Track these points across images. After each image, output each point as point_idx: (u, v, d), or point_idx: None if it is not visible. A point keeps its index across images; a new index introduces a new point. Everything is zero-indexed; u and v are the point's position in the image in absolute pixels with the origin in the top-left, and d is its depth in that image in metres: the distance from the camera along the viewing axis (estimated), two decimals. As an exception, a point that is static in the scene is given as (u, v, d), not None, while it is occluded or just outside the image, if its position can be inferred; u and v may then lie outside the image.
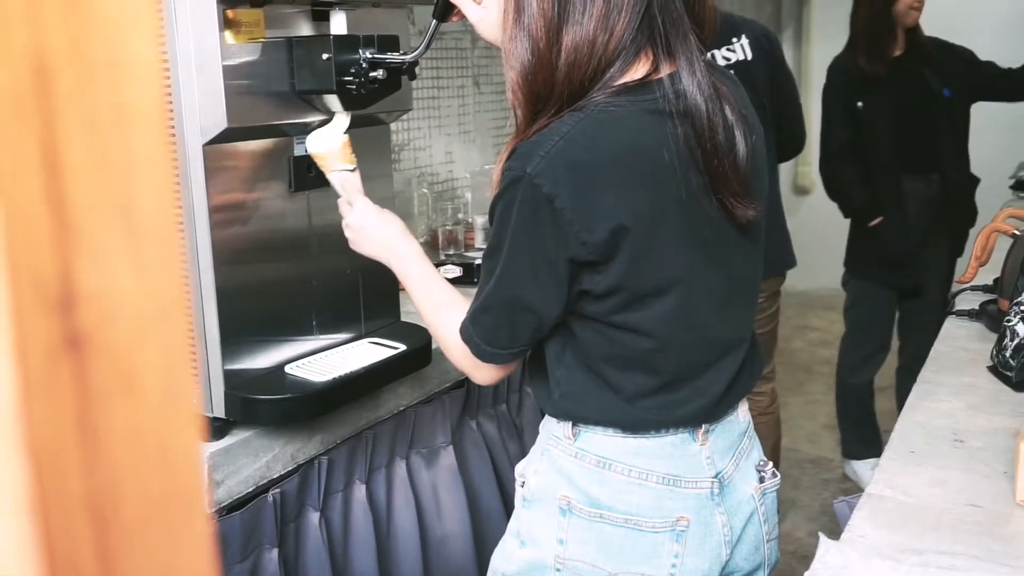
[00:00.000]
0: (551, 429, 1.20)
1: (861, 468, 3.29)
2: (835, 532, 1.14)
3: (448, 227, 2.67)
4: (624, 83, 1.07)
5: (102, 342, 0.21)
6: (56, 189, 0.19)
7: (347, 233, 1.40)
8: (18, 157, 0.18)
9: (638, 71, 1.08)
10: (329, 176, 1.45)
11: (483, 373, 1.20)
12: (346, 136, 1.45)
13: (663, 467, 1.13)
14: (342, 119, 1.45)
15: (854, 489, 3.15)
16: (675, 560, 1.13)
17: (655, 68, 1.08)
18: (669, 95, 1.06)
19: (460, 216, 2.78)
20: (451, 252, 2.61)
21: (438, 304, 1.26)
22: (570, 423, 1.17)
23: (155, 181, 0.21)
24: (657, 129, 1.06)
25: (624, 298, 1.08)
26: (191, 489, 0.23)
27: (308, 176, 1.54)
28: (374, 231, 1.37)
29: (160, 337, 0.22)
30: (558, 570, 1.16)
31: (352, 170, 1.44)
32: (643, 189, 1.05)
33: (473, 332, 1.16)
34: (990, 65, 3.08)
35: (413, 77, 1.53)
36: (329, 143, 1.44)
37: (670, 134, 1.06)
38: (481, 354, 1.16)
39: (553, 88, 1.07)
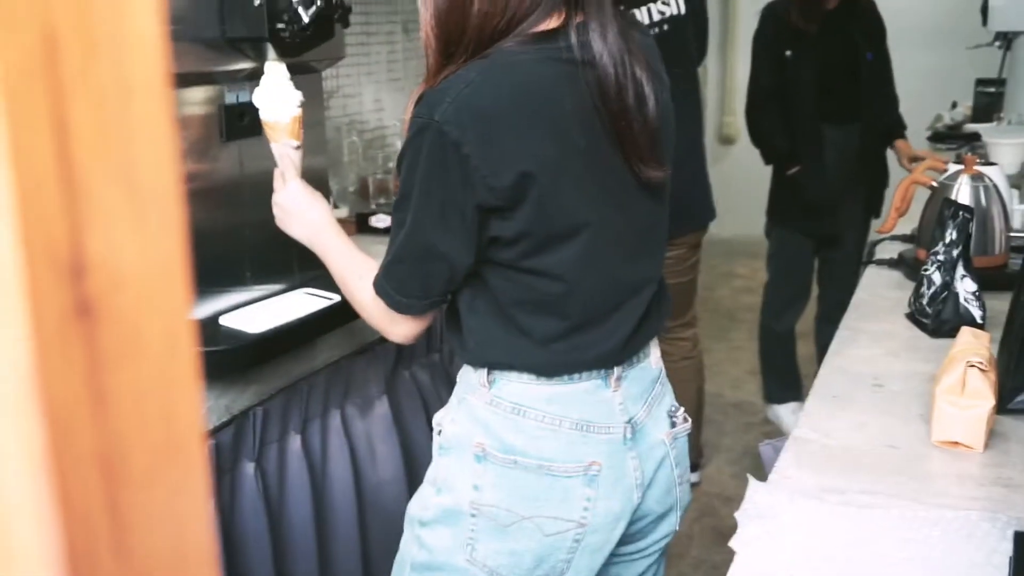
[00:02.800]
0: (467, 378, 1.22)
1: (783, 412, 3.39)
2: (759, 474, 1.18)
3: (379, 176, 2.66)
4: (532, 32, 1.09)
5: (110, 307, 0.21)
6: (65, 160, 0.20)
7: (275, 210, 1.38)
8: (29, 128, 0.19)
9: (550, 24, 1.10)
10: (272, 146, 1.40)
11: (399, 328, 1.21)
12: (299, 111, 1.39)
13: (576, 413, 1.16)
14: (277, 68, 1.43)
15: (776, 432, 3.25)
16: (587, 504, 1.16)
17: (567, 21, 1.10)
18: (574, 45, 1.08)
19: (390, 165, 2.77)
20: (381, 201, 2.60)
21: (354, 274, 1.26)
22: (485, 370, 1.19)
23: (158, 151, 0.22)
24: (561, 78, 1.08)
25: (532, 243, 1.11)
26: (191, 443, 0.24)
27: (240, 125, 1.52)
28: (302, 215, 1.34)
29: (163, 302, 0.23)
30: (473, 515, 1.18)
31: (297, 147, 1.39)
32: (547, 136, 1.08)
33: (386, 284, 1.17)
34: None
35: (346, 24, 1.52)
36: (280, 114, 1.38)
37: (573, 83, 1.08)
38: (396, 305, 1.18)
39: (464, 33, 1.09)
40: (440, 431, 1.25)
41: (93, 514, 0.22)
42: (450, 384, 2.17)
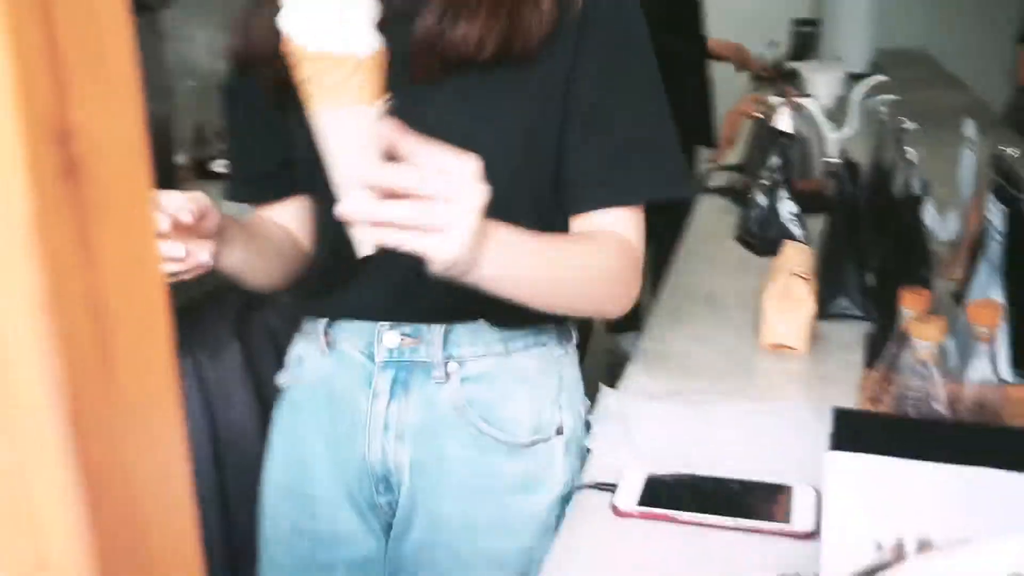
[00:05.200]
0: (551, 351, 1.06)
1: (623, 341, 3.55)
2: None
3: (215, 121, 2.61)
4: None
5: (90, 169, 0.25)
6: (50, 40, 0.24)
7: (439, 250, 0.77)
8: (21, 13, 0.23)
9: None
10: (324, 114, 0.77)
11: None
12: (380, 44, 0.77)
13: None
14: None
15: (619, 359, 3.41)
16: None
17: None
18: None
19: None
20: (221, 147, 2.56)
21: (586, 252, 0.97)
22: (573, 330, 1.09)
23: (121, 40, 0.26)
24: None
25: None
26: (157, 292, 0.28)
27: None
28: (488, 235, 0.81)
29: (131, 166, 0.27)
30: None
31: (379, 112, 0.78)
32: None
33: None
34: None
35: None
36: (355, 44, 0.75)
37: None
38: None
39: None
40: (560, 429, 1.04)
41: (85, 349, 0.26)
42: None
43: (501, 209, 0.81)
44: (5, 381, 0.26)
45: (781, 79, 3.46)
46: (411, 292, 0.99)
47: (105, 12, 0.25)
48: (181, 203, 0.88)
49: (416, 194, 0.74)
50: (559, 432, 1.04)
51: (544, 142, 0.99)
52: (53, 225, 0.24)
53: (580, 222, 1.00)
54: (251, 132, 1.12)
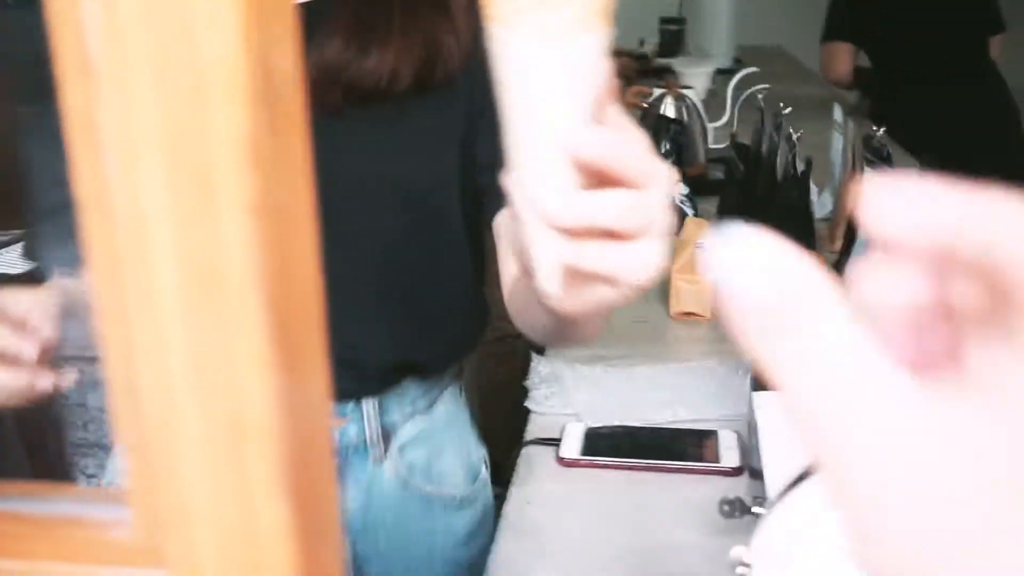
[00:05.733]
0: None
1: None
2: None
3: None
4: None
5: (285, 103, 0.32)
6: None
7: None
8: None
9: None
10: (531, 44, 0.49)
11: None
12: None
13: None
14: None
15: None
16: None
17: None
18: None
19: None
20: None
21: None
22: None
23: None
24: None
25: None
26: (310, 211, 0.35)
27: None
28: None
29: (300, 105, 0.33)
30: None
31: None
32: None
33: None
34: None
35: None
36: None
37: None
38: None
39: None
40: (486, 460, 1.06)
41: (277, 247, 0.33)
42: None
43: (442, 226, 0.82)
44: (216, 274, 0.32)
45: (655, 74, 3.62)
46: (347, 365, 0.86)
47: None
48: None
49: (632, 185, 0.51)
50: (486, 464, 1.04)
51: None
52: (263, 143, 0.31)
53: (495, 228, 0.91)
54: None
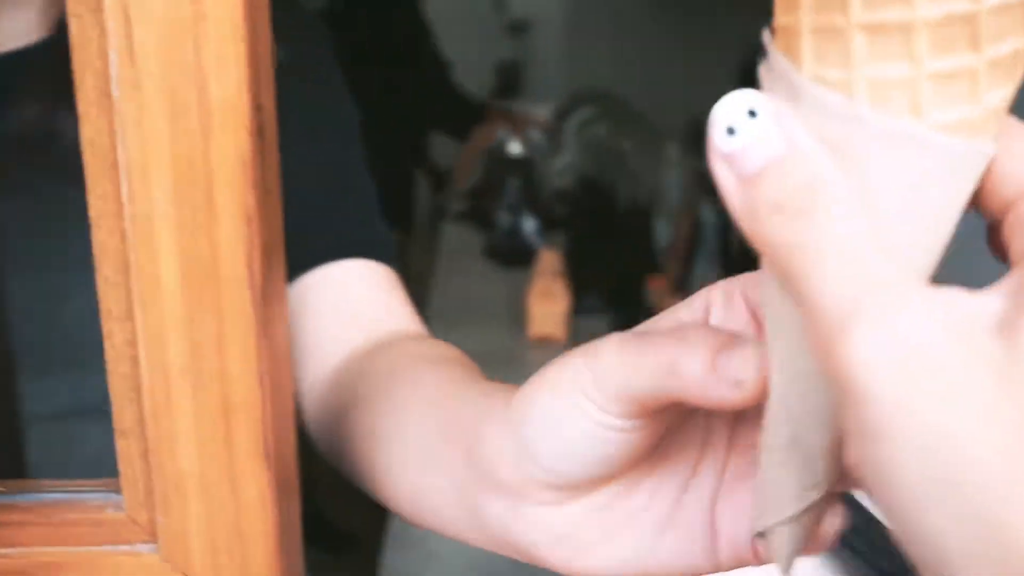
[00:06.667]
0: None
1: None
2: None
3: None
4: None
5: (267, 133, 0.38)
6: (255, 50, 0.37)
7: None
8: (252, 27, 0.36)
9: None
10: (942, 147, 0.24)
11: None
12: None
13: None
14: None
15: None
16: None
17: None
18: None
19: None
20: None
21: None
22: None
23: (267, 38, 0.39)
24: None
25: None
26: (279, 225, 0.42)
27: None
28: None
29: (275, 144, 0.40)
30: None
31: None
32: None
33: None
34: None
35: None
36: None
37: None
38: None
39: None
40: None
41: (263, 252, 0.39)
42: None
43: None
44: (214, 275, 0.38)
45: (497, 115, 3.74)
46: None
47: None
48: None
49: None
50: None
51: None
52: (255, 163, 0.37)
53: None
54: None
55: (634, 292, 1.51)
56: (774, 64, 0.25)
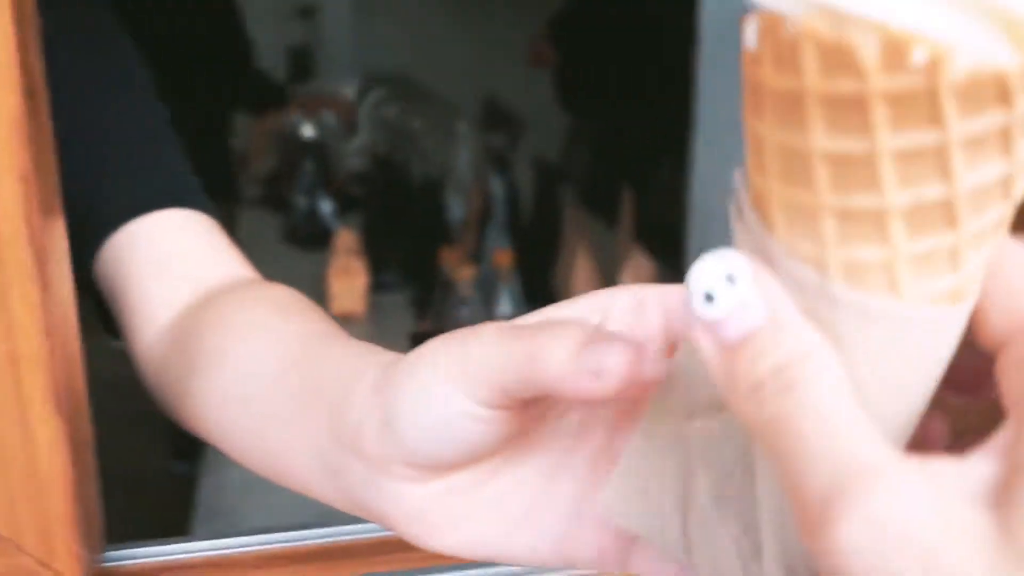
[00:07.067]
0: None
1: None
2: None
3: None
4: None
5: (37, 97, 0.41)
6: (23, 38, 0.39)
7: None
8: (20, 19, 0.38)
9: None
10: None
11: None
12: None
13: None
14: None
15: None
16: None
17: None
18: None
19: None
20: None
21: None
22: None
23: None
24: None
25: None
26: (55, 186, 0.44)
27: None
28: None
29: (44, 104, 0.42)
30: None
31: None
32: None
33: None
34: None
35: None
36: None
37: None
38: None
39: None
40: None
41: (39, 211, 0.42)
42: None
43: None
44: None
45: (290, 99, 3.70)
46: None
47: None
48: None
49: None
50: None
51: None
52: (27, 123, 0.39)
53: None
54: None
55: (429, 264, 1.56)
56: (746, 219, 0.24)
